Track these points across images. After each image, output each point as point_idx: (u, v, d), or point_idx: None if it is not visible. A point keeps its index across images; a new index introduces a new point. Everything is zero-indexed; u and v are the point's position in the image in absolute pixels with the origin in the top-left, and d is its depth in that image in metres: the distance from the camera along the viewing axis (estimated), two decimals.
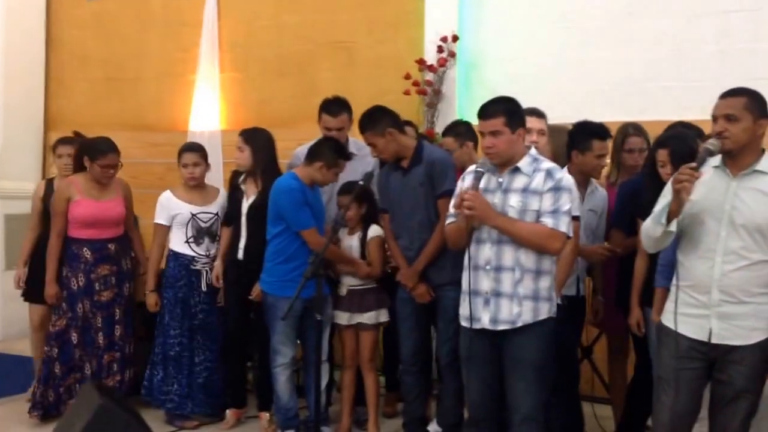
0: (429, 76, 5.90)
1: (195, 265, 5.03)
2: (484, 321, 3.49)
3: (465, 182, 3.60)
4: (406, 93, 5.82)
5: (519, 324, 3.44)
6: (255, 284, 4.71)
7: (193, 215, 5.02)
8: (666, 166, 3.76)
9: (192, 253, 5.03)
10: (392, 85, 5.93)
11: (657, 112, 4.70)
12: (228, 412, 5.06)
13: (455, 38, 5.85)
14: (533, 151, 3.61)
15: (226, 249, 4.96)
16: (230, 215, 4.98)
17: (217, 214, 5.08)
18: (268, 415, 4.94)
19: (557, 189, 3.45)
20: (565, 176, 3.53)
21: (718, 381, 3.24)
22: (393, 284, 4.53)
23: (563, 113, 5.53)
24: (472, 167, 3.63)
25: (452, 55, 5.85)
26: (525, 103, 4.74)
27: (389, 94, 5.93)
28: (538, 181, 3.47)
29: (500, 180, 3.52)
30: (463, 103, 5.92)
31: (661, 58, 5.40)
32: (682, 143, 3.73)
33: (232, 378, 5.07)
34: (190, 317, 5.01)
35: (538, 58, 5.76)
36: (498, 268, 3.47)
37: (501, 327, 3.47)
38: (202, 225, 5.05)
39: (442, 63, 5.84)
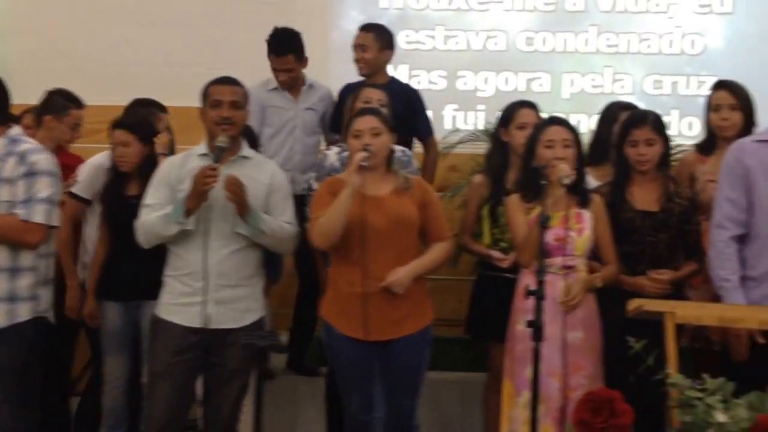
0: None
1: None
2: None
3: None
4: None
5: None
6: None
7: None
8: None
9: None
10: None
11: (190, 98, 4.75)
12: None
13: None
14: (13, 130, 3.16)
15: None
16: None
17: None
18: None
19: (31, 174, 3.03)
20: (42, 158, 3.08)
21: (213, 364, 3.29)
22: None
23: (87, 95, 5.33)
24: None
25: None
26: (40, 83, 4.46)
27: None
28: (10, 166, 3.03)
29: None
30: None
31: (191, 43, 5.47)
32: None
33: None
34: None
35: (61, 34, 5.45)
36: None
37: None
38: None
39: None
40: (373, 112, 3.38)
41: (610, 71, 5.60)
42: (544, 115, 5.20)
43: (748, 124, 3.69)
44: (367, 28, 4.60)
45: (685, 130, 5.41)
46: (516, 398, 3.23)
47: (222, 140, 3.19)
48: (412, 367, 3.28)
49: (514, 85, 5.56)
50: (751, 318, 2.85)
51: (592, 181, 3.70)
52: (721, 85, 3.83)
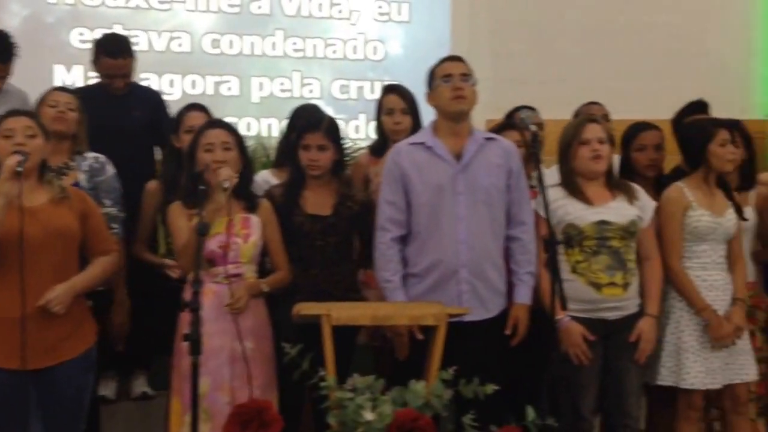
0: None
1: None
2: None
3: None
4: None
5: None
6: None
7: None
8: None
9: None
10: None
11: None
12: None
13: None
14: None
15: None
16: None
17: None
18: None
19: None
20: None
21: None
22: None
23: None
24: None
25: None
26: None
27: None
28: None
29: None
30: None
31: None
32: None
33: None
34: None
35: None
36: None
37: None
38: None
39: None
40: (25, 113, 3.07)
41: (299, 75, 5.63)
42: (233, 119, 5.22)
43: (415, 127, 3.85)
44: (120, 54, 4.12)
45: (372, 133, 5.56)
46: (183, 417, 3.07)
47: None
48: (74, 395, 3.00)
49: (201, 88, 5.41)
50: (401, 315, 2.92)
51: (274, 181, 3.67)
52: (391, 90, 3.97)
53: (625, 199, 3.33)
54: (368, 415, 2.35)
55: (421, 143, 3.27)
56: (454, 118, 3.23)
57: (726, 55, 5.90)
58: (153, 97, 4.40)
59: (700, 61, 5.77)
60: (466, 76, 3.24)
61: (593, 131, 3.33)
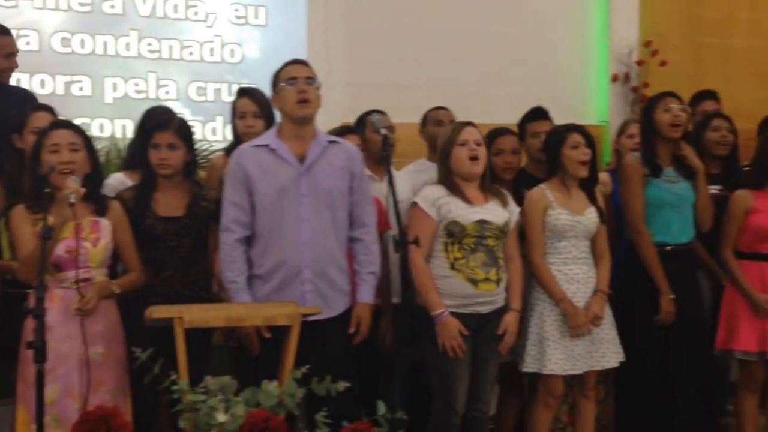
0: None
1: None
2: None
3: None
4: None
5: None
6: None
7: None
8: None
9: None
10: None
11: None
12: None
13: None
14: None
15: None
16: None
17: None
18: None
19: None
20: None
21: None
22: None
23: None
24: None
25: None
26: None
27: None
28: None
29: None
30: None
31: None
32: None
33: None
34: None
35: None
36: None
37: None
38: None
39: None
40: None
41: (154, 77, 5.51)
42: (86, 120, 5.07)
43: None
44: (5, 29, 4.13)
45: (230, 135, 5.51)
46: (30, 425, 2.98)
47: None
48: None
49: (51, 88, 5.21)
50: (255, 316, 2.95)
51: (129, 183, 3.61)
52: (244, 93, 3.96)
53: (498, 202, 3.50)
54: (221, 417, 2.36)
55: (265, 145, 3.29)
56: (299, 121, 3.26)
57: (565, 66, 6.22)
58: (25, 94, 4.31)
59: (542, 70, 6.03)
60: (311, 79, 3.27)
61: (470, 134, 3.48)
